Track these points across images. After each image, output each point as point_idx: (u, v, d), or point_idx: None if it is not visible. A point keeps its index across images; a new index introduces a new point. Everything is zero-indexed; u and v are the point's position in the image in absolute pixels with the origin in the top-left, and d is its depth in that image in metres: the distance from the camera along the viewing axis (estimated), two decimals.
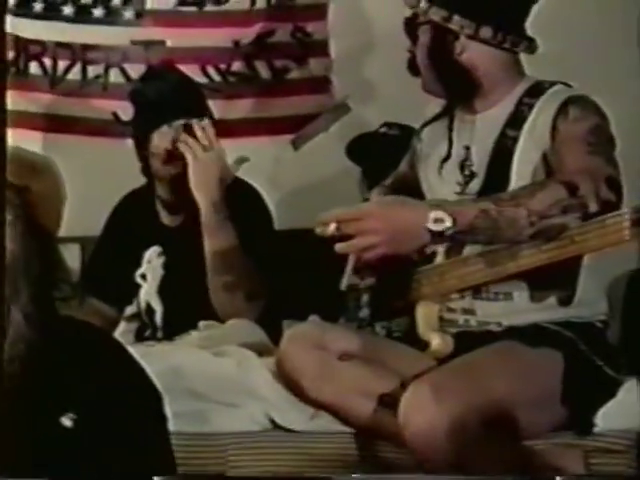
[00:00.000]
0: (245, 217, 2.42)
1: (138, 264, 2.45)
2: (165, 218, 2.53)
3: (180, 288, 2.40)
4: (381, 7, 2.94)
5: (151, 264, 2.45)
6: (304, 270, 2.49)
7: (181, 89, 2.52)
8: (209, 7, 3.13)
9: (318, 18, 3.12)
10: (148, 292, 2.45)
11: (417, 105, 2.25)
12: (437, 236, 1.76)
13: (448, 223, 1.75)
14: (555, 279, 1.92)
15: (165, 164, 2.45)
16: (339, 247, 1.78)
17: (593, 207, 1.79)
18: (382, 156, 2.89)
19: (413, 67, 2.06)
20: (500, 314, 1.94)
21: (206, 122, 2.45)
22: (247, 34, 3.13)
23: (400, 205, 1.79)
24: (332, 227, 1.75)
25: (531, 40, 2.04)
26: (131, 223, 2.54)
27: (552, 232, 1.81)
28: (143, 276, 2.46)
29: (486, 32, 1.97)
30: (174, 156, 2.43)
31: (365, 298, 2.11)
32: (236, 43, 3.13)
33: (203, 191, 2.37)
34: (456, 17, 1.97)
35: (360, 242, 1.76)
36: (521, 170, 1.95)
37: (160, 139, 2.45)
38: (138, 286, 2.46)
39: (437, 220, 1.76)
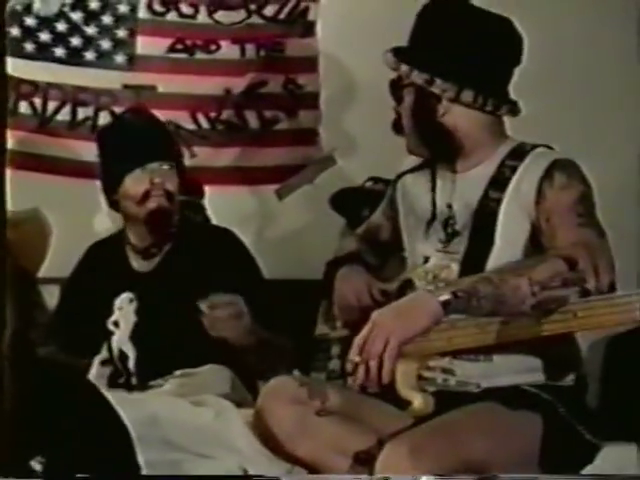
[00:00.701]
0: (232, 266, 2.41)
1: (109, 311, 2.43)
2: (136, 264, 2.52)
3: (153, 334, 2.38)
4: (367, 64, 2.99)
5: (122, 311, 2.43)
6: (282, 319, 2.47)
7: (153, 132, 2.53)
8: (199, 55, 3.17)
9: (309, 70, 3.16)
10: (120, 339, 2.42)
11: (400, 161, 2.27)
12: (447, 305, 1.79)
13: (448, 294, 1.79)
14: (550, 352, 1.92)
15: (139, 205, 2.46)
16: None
17: (591, 283, 1.80)
18: (366, 209, 2.92)
19: (398, 127, 2.08)
20: (479, 375, 1.94)
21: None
22: (239, 83, 3.16)
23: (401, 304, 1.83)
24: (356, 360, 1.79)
25: (514, 103, 2.06)
26: (101, 270, 2.53)
27: (553, 304, 1.81)
28: (115, 323, 2.44)
29: (467, 96, 1.99)
30: (150, 196, 2.44)
31: (335, 349, 2.10)
32: (227, 91, 3.16)
33: None
34: (438, 81, 1.98)
35: (372, 350, 1.78)
36: (506, 232, 1.96)
37: (134, 182, 2.45)
38: (110, 333, 2.43)
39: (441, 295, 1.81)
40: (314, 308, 2.19)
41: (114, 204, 2.52)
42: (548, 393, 1.91)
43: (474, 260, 1.95)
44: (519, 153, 2.01)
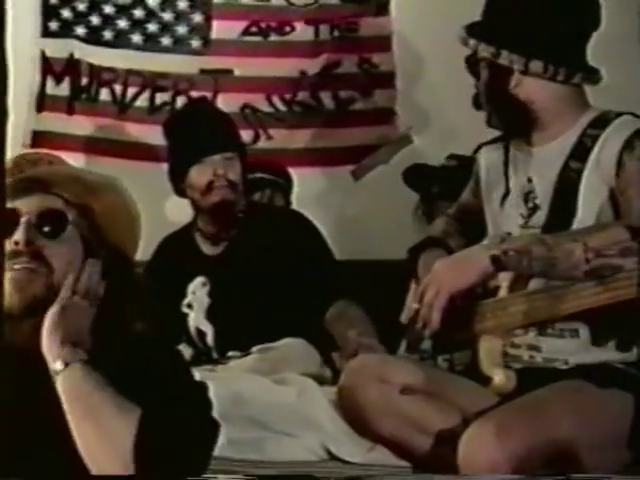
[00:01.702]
0: (303, 248, 2.43)
1: (183, 296, 2.50)
2: (206, 248, 2.57)
3: (227, 314, 2.44)
4: (442, 41, 2.96)
5: (196, 295, 2.49)
6: (364, 300, 2.48)
7: (215, 123, 2.57)
8: (274, 37, 3.17)
9: (383, 49, 3.14)
10: (196, 319, 2.49)
11: (478, 137, 2.25)
12: (497, 262, 1.83)
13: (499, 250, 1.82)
14: (617, 322, 1.88)
15: (204, 196, 2.50)
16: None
17: None
18: (437, 185, 2.90)
19: (477, 103, 2.06)
20: (567, 351, 1.91)
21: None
22: (313, 65, 3.16)
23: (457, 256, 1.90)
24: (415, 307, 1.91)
25: (592, 71, 2.01)
26: (174, 257, 2.60)
27: (606, 272, 1.79)
28: (189, 305, 2.50)
29: (536, 66, 1.95)
30: (213, 188, 2.48)
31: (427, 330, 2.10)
32: (302, 73, 3.16)
33: None
34: (504, 52, 1.95)
35: (426, 299, 1.90)
36: (587, 203, 1.93)
37: (198, 174, 2.50)
38: (185, 315, 2.49)
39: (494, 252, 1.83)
40: (396, 289, 2.19)
41: (181, 192, 2.58)
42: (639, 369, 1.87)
43: (557, 228, 1.92)
44: (602, 122, 1.96)
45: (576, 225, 1.92)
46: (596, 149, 1.94)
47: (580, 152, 1.95)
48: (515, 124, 2.02)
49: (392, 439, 1.91)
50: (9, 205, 1.39)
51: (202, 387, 1.42)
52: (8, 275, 1.34)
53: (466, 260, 1.89)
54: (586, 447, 1.78)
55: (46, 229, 1.41)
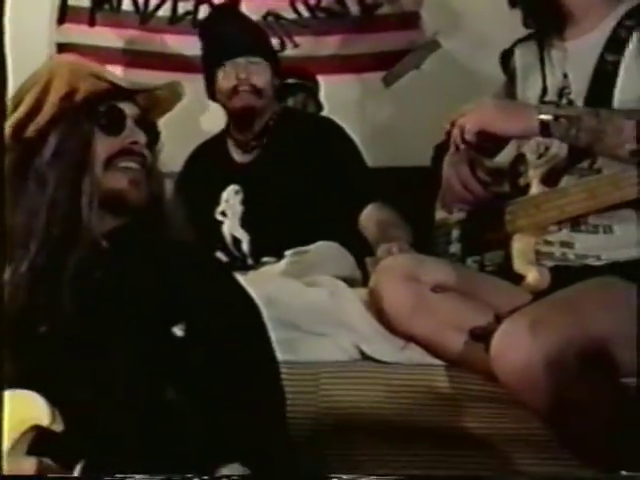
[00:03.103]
0: (335, 153, 2.41)
1: (217, 204, 2.49)
2: (238, 156, 2.54)
3: (261, 220, 2.44)
4: None
5: (229, 202, 2.48)
6: (394, 206, 2.46)
7: (241, 26, 2.54)
8: None
9: None
10: (231, 226, 2.48)
11: (510, 37, 2.19)
12: (545, 127, 1.79)
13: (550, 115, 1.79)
14: None
15: (230, 100, 2.48)
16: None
17: None
18: None
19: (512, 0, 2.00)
20: (600, 247, 1.88)
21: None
22: None
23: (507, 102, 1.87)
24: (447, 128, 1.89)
25: None
26: (206, 166, 2.58)
27: None
28: (223, 213, 2.49)
29: None
30: (238, 92, 2.45)
31: (455, 233, 2.08)
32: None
33: None
34: None
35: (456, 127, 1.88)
36: (625, 96, 1.88)
37: (224, 77, 2.49)
38: (219, 223, 2.48)
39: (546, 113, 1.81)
40: (428, 194, 2.16)
41: (213, 96, 2.55)
42: None
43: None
44: (637, 12, 1.91)
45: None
46: (634, 40, 1.88)
47: (616, 44, 1.90)
48: (548, 18, 1.97)
49: (424, 337, 1.90)
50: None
51: (244, 292, 1.42)
52: (120, 173, 1.42)
53: (515, 110, 1.85)
54: (619, 342, 1.76)
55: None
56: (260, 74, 2.47)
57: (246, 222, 2.47)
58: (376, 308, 1.95)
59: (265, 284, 2.01)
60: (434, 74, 2.96)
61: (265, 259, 2.37)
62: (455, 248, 2.06)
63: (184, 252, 1.40)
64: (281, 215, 2.41)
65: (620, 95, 1.87)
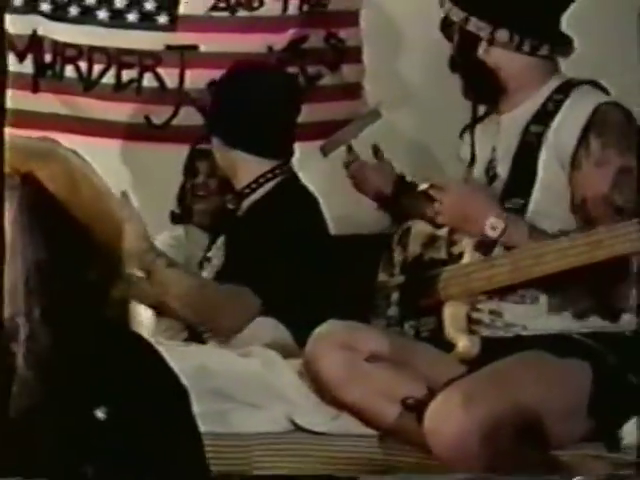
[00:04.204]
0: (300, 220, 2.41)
1: None
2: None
3: None
4: (413, 10, 2.94)
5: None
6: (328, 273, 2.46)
7: None
8: (241, 12, 3.14)
9: (351, 24, 3.12)
10: None
11: (454, 110, 2.24)
12: (484, 241, 1.85)
13: (497, 233, 1.83)
14: (574, 291, 1.90)
15: None
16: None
17: None
18: None
19: (452, 65, 2.06)
20: (526, 317, 1.92)
21: None
22: (280, 40, 3.13)
23: (475, 192, 1.90)
24: (424, 186, 1.96)
25: (563, 42, 2.00)
26: None
27: None
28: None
29: (502, 35, 1.96)
30: None
31: (395, 296, 2.11)
32: (269, 49, 3.13)
33: None
34: (473, 19, 1.96)
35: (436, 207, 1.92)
36: (547, 168, 1.93)
37: None
38: None
39: (493, 227, 1.85)
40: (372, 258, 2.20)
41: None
42: (598, 341, 1.89)
43: (514, 198, 1.93)
44: (566, 88, 1.97)
45: (536, 191, 1.93)
46: (559, 115, 1.93)
47: (542, 116, 1.95)
48: (483, 90, 2.02)
49: (357, 406, 1.91)
50: None
51: (170, 372, 1.40)
52: None
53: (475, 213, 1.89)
54: (550, 416, 1.80)
55: None
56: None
57: None
58: (311, 376, 1.96)
59: (198, 354, 2.01)
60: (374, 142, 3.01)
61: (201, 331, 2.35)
62: (393, 311, 2.09)
63: (107, 330, 1.38)
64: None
65: (542, 167, 1.93)
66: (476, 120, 2.10)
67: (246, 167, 2.49)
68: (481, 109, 2.11)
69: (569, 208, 1.89)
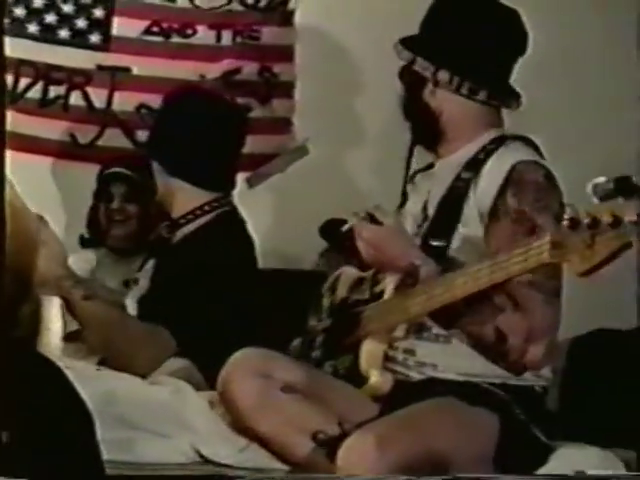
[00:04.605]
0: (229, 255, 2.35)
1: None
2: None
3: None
4: (349, 47, 2.98)
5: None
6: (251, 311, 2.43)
7: None
8: (175, 39, 3.14)
9: (285, 59, 3.14)
10: None
11: (390, 144, 2.27)
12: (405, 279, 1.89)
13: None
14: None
15: None
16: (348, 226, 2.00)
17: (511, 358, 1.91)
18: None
19: (405, 112, 2.10)
20: (437, 356, 1.94)
21: None
22: (213, 69, 3.13)
23: (394, 236, 1.92)
24: (347, 226, 1.98)
25: (507, 93, 2.04)
26: None
27: None
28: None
29: (443, 76, 2.00)
30: None
31: (319, 339, 2.11)
32: (202, 77, 3.13)
33: None
34: (419, 59, 2.00)
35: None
36: (471, 211, 1.97)
37: None
38: None
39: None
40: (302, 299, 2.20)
41: None
42: (507, 392, 1.91)
43: (437, 238, 1.95)
44: (499, 141, 2.02)
45: (457, 234, 1.96)
46: (486, 165, 1.97)
47: (473, 164, 1.99)
48: (422, 132, 2.05)
49: (268, 436, 1.90)
50: None
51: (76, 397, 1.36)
52: None
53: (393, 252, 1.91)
54: (459, 462, 1.83)
55: None
56: None
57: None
58: (224, 401, 1.93)
59: (107, 380, 1.97)
60: (300, 179, 3.02)
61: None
62: (316, 353, 2.09)
63: (14, 351, 1.33)
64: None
65: (466, 211, 1.96)
66: (410, 164, 2.13)
67: (184, 196, 2.40)
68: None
69: (484, 254, 1.92)
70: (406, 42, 2.05)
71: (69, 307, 2.20)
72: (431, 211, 2.01)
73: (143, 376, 2.11)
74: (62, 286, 2.17)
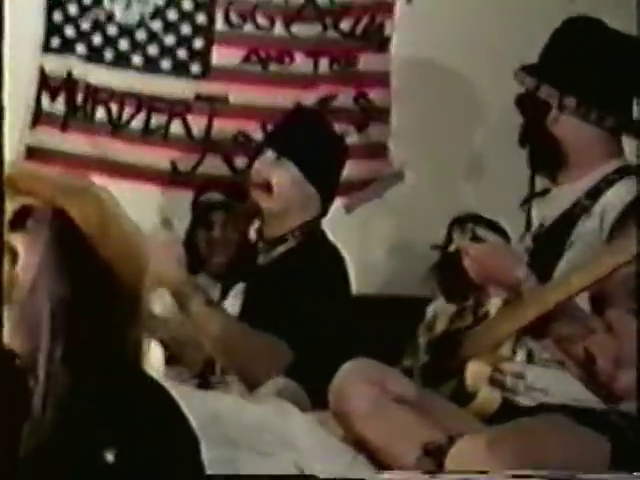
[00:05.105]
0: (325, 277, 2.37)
1: None
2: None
3: None
4: (447, 75, 2.98)
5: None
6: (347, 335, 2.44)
7: None
8: (273, 67, 3.19)
9: (381, 85, 3.15)
10: None
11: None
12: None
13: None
14: None
15: None
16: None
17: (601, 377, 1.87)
18: None
19: (522, 141, 2.10)
20: (549, 381, 1.92)
21: None
22: (310, 97, 3.17)
23: (500, 251, 1.94)
24: (453, 246, 1.99)
25: (633, 122, 2.04)
26: None
27: None
28: None
29: (570, 102, 2.00)
30: None
31: (418, 372, 2.12)
32: (298, 104, 3.17)
33: None
34: (544, 86, 2.01)
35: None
36: (582, 237, 1.95)
37: None
38: None
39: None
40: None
41: None
42: (620, 417, 1.87)
43: (543, 264, 1.94)
44: (622, 170, 2.01)
45: (566, 256, 1.94)
46: (608, 192, 1.97)
47: (595, 192, 1.99)
48: (544, 160, 2.06)
49: (376, 443, 1.89)
50: None
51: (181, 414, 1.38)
52: None
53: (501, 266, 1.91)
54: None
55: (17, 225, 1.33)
56: None
57: None
58: (337, 407, 1.94)
59: (212, 400, 1.99)
60: (397, 204, 3.03)
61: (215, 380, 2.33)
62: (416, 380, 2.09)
63: (123, 372, 1.36)
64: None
65: (577, 235, 1.95)
66: (534, 192, 2.13)
67: (293, 213, 2.46)
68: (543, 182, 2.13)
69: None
70: (528, 70, 2.06)
71: (186, 312, 2.22)
72: (543, 233, 2.01)
73: (260, 384, 2.13)
74: (182, 289, 2.20)
